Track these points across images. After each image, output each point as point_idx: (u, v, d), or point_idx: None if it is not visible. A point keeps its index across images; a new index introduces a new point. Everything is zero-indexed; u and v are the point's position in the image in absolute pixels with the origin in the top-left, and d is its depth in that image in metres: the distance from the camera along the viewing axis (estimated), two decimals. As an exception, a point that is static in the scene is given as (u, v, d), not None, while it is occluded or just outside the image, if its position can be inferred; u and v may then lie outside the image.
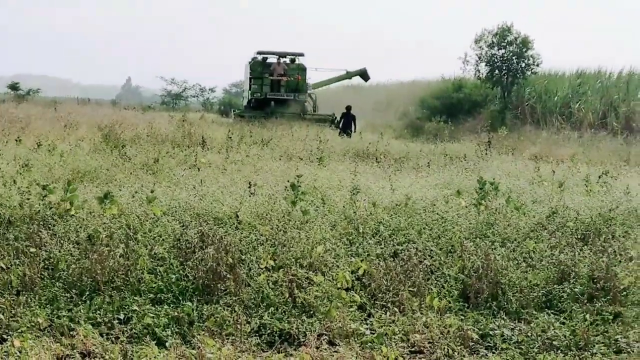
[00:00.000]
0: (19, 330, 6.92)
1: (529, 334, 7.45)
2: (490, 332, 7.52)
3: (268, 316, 7.55)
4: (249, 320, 7.44)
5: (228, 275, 8.22)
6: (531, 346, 7.19)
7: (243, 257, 8.89)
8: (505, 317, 7.90)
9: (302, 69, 42.63)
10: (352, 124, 33.56)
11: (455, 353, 6.97)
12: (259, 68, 42.44)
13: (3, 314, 7.22)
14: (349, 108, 34.21)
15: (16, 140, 18.66)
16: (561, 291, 8.51)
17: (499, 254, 9.15)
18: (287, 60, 42.93)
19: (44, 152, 17.07)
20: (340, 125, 33.85)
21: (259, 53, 43.20)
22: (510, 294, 8.35)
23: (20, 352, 6.23)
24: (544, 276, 8.85)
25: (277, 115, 38.01)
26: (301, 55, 43.17)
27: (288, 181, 11.79)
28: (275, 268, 8.56)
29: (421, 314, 7.76)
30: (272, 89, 41.79)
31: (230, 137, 22.85)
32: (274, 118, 36.64)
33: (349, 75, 46.93)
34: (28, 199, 10.51)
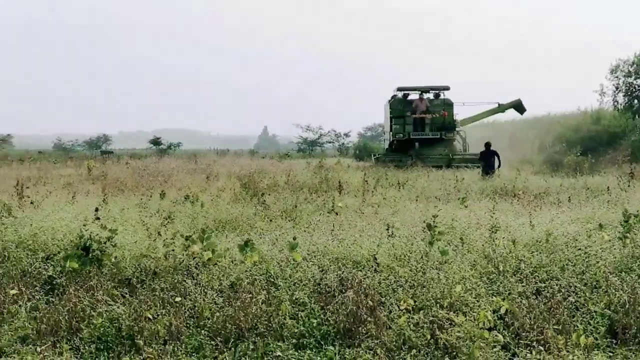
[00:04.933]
0: (168, 379, 7.10)
1: (682, 370, 7.18)
2: (641, 369, 7.29)
3: (410, 358, 7.51)
4: (392, 363, 7.42)
5: (369, 318, 8.22)
6: (685, 382, 6.93)
7: (383, 299, 8.89)
8: (655, 353, 7.65)
9: (449, 104, 39.97)
10: (496, 160, 30.30)
11: (605, 391, 6.77)
12: (400, 106, 40.13)
13: (152, 364, 7.41)
14: (488, 145, 30.86)
15: (160, 194, 19.18)
16: None
17: (647, 288, 8.86)
18: (431, 95, 40.42)
19: (186, 203, 17.50)
20: (482, 164, 30.64)
21: (400, 89, 40.86)
22: (660, 329, 8.07)
23: (169, 399, 6.37)
24: (695, 309, 8.51)
25: (422, 158, 35.72)
26: (446, 89, 40.48)
27: (424, 221, 11.73)
28: (416, 309, 8.52)
29: (567, 352, 7.56)
30: (415, 129, 39.29)
31: (367, 181, 22.90)
32: (419, 161, 34.22)
33: (502, 109, 42.82)
34: (172, 250, 10.80)
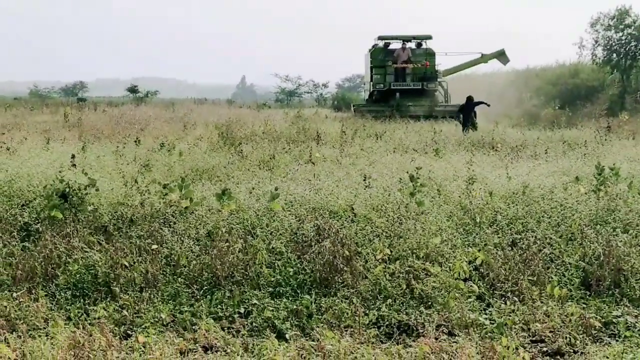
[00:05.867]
0: (143, 326, 7.11)
1: (654, 321, 7.26)
2: (613, 320, 7.36)
3: (386, 308, 7.56)
4: (367, 312, 7.47)
5: (345, 268, 8.25)
6: (656, 333, 7.01)
7: (359, 249, 8.92)
8: (628, 305, 7.73)
9: (431, 54, 38.50)
10: (474, 116, 28.78)
11: (577, 341, 6.84)
12: (381, 55, 38.73)
13: (127, 311, 7.42)
14: (470, 98, 28.98)
15: (135, 142, 19.11)
16: (686, 277, 8.26)
17: (621, 241, 8.92)
18: (413, 44, 38.98)
19: (163, 151, 17.44)
20: (462, 119, 28.76)
21: (381, 38, 39.43)
22: (633, 281, 8.15)
23: (144, 347, 6.38)
24: (668, 262, 8.58)
25: (403, 109, 34.54)
26: (429, 38, 39.04)
27: (407, 172, 11.72)
28: (392, 260, 8.56)
29: (541, 302, 7.64)
30: (396, 79, 37.87)
31: (344, 132, 22.87)
32: (400, 113, 33.21)
33: (485, 59, 41.43)
34: (149, 198, 10.78)
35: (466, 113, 28.77)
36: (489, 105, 29.65)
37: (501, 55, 41.25)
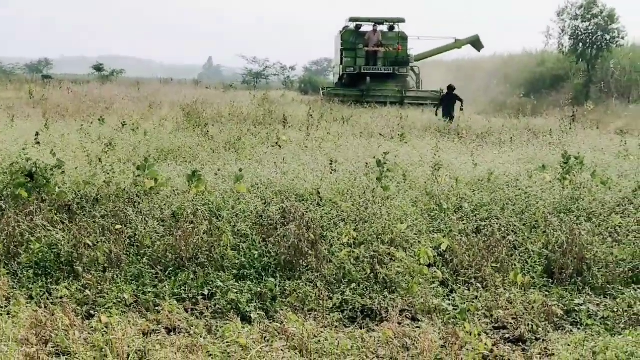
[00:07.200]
0: (106, 306, 7.07)
1: (615, 310, 7.31)
2: (575, 308, 7.41)
3: (350, 292, 7.57)
4: (331, 296, 7.47)
5: (310, 252, 8.24)
6: (617, 322, 7.06)
7: (324, 233, 8.92)
8: (590, 293, 7.78)
9: (403, 38, 37.59)
10: (457, 105, 26.83)
11: (540, 329, 6.90)
12: (352, 38, 37.81)
13: (90, 291, 7.38)
14: (451, 88, 27.29)
15: (99, 120, 18.97)
16: (648, 266, 8.33)
17: (584, 229, 8.98)
18: (385, 27, 38.09)
19: (128, 131, 17.33)
20: (441, 109, 26.90)
21: (352, 20, 38.39)
22: (596, 270, 8.21)
23: (106, 327, 6.34)
24: (630, 251, 8.64)
25: (372, 92, 34.31)
26: (401, 21, 38.07)
27: (374, 157, 11.72)
28: (357, 244, 8.56)
29: (505, 289, 7.69)
30: (367, 62, 36.93)
31: (311, 115, 22.85)
32: (370, 98, 32.92)
33: (458, 45, 40.73)
34: (114, 177, 10.69)
35: (447, 103, 27.28)
36: (462, 109, 27.32)
37: (475, 41, 40.93)
